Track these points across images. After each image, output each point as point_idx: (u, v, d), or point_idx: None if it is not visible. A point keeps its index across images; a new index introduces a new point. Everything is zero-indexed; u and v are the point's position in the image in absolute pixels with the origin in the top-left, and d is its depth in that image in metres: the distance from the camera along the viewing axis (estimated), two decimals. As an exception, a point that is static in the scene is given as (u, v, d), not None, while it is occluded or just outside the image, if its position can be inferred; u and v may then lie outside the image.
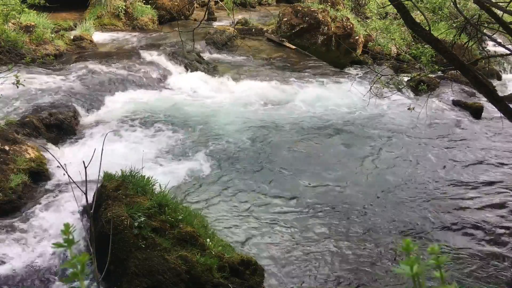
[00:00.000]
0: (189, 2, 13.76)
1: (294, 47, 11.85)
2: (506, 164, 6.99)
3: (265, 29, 12.72)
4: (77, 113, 6.87)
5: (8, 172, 4.78)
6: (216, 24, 13.70)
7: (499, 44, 6.09)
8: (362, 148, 7.14)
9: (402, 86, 9.32)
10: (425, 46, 6.38)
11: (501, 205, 5.80)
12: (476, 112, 9.23)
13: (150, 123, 7.00)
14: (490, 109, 9.06)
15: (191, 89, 8.69)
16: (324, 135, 7.41)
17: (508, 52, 5.37)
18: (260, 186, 5.74)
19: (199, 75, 9.45)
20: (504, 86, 11.94)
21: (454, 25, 6.81)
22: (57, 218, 4.42)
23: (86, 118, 6.94)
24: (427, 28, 4.43)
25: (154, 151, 6.19)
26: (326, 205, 5.44)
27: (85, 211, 4.36)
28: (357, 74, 11.11)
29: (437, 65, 6.31)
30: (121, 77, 8.32)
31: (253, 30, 12.67)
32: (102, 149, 2.52)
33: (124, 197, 4.01)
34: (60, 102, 6.87)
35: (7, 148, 5.07)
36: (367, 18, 13.48)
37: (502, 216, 5.54)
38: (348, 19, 12.19)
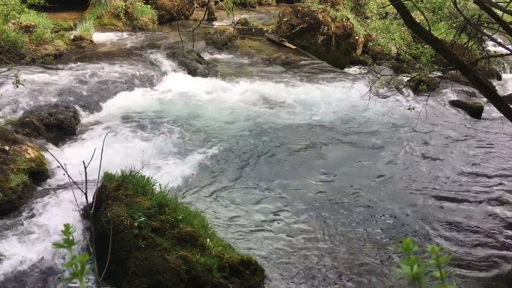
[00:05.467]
0: (189, 2, 13.76)
1: (294, 47, 11.86)
2: (506, 164, 6.99)
3: (265, 29, 12.72)
4: (77, 113, 6.87)
5: (8, 172, 4.78)
6: (216, 24, 13.70)
7: (499, 44, 6.09)
8: (362, 148, 7.14)
9: (402, 86, 9.32)
10: (425, 46, 6.38)
11: (501, 205, 5.80)
12: (476, 112, 9.23)
13: (150, 123, 7.00)
14: (490, 109, 9.07)
15: (191, 89, 8.69)
16: (324, 135, 7.41)
17: (508, 52, 5.37)
18: (260, 186, 5.74)
19: (198, 75, 9.46)
20: (504, 86, 11.95)
21: (454, 25, 6.80)
22: (57, 218, 4.42)
23: (86, 118, 6.94)
24: (427, 28, 4.43)
25: (154, 151, 6.19)
26: (326, 205, 5.44)
27: (85, 211, 4.36)
28: (357, 74, 11.12)
29: (437, 65, 6.31)
30: (121, 77, 8.32)
31: (253, 30, 12.68)
32: (102, 149, 2.52)
33: (124, 197, 4.01)
34: (60, 102, 6.87)
35: (7, 148, 5.07)
36: (367, 18, 13.48)
37: (502, 216, 5.54)
38: (348, 19, 12.19)
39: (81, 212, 4.49)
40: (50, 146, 5.98)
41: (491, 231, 5.22)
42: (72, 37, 10.26)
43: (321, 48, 11.89)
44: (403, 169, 6.53)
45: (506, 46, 5.58)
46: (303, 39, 11.93)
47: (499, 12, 4.86)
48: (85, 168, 1.97)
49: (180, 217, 3.95)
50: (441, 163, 6.85)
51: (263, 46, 11.95)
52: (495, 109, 5.29)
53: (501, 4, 4.91)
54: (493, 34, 6.66)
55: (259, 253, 4.46)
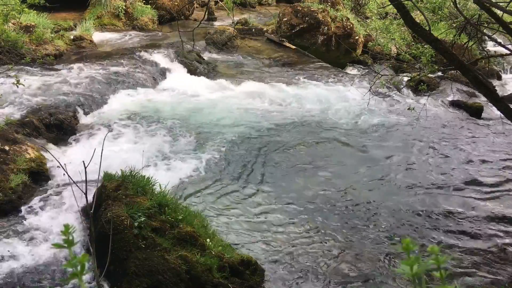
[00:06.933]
0: (189, 2, 13.76)
1: (294, 47, 11.85)
2: (506, 164, 6.98)
3: (265, 29, 12.71)
4: (77, 113, 6.87)
5: (8, 172, 4.78)
6: (216, 24, 13.70)
7: (499, 44, 6.08)
8: (361, 148, 7.14)
9: (402, 86, 9.32)
10: (425, 46, 6.38)
11: (501, 205, 5.80)
12: (476, 112, 9.23)
13: (150, 123, 7.00)
14: (490, 109, 9.07)
15: (190, 89, 8.69)
16: (324, 135, 7.41)
17: (508, 52, 5.37)
18: (260, 186, 5.74)
19: (198, 75, 9.46)
20: (504, 86, 11.94)
21: (454, 25, 6.80)
22: (57, 218, 4.42)
23: (86, 118, 6.94)
24: (427, 28, 4.43)
25: (154, 151, 6.19)
26: (327, 205, 5.44)
27: (85, 211, 4.36)
28: (357, 74, 11.12)
29: (437, 65, 6.31)
30: (121, 77, 8.32)
31: (253, 30, 12.67)
32: (102, 149, 2.52)
33: (124, 197, 4.01)
34: (60, 102, 6.87)
35: (7, 148, 5.07)
36: (367, 18, 13.47)
37: (503, 216, 5.54)
38: (348, 19, 12.18)
39: (81, 212, 4.49)
40: (50, 146, 5.98)
41: (492, 231, 5.22)
42: (72, 37, 10.25)
43: (321, 48, 11.88)
44: (403, 169, 6.53)
45: (506, 46, 5.58)
46: (303, 39, 11.92)
47: (499, 12, 4.86)
48: (85, 168, 1.97)
49: (180, 217, 3.95)
50: (441, 163, 6.85)
51: (263, 46, 11.94)
52: (495, 109, 5.29)
53: (501, 4, 4.91)
54: (493, 34, 6.65)
55: (259, 253, 4.47)
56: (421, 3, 7.16)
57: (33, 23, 9.14)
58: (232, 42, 11.80)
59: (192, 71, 9.55)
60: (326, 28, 11.77)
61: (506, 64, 13.49)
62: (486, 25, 6.10)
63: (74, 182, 2.47)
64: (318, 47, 11.88)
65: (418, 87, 8.82)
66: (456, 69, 4.92)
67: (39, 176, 5.13)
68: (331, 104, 8.72)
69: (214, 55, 11.17)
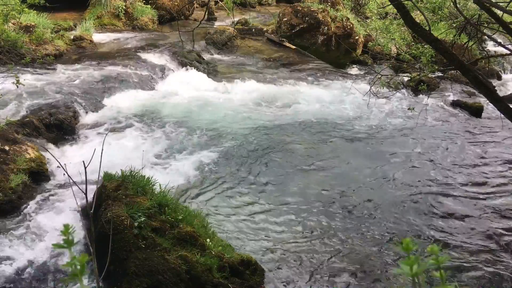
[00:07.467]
0: (189, 2, 13.76)
1: (294, 47, 11.85)
2: (506, 164, 6.99)
3: (265, 29, 12.72)
4: (77, 113, 6.87)
5: (8, 172, 4.78)
6: (216, 24, 13.71)
7: (499, 44, 6.08)
8: (362, 148, 7.14)
9: (402, 86, 9.32)
10: (425, 46, 6.38)
11: (502, 205, 5.80)
12: (476, 112, 9.24)
13: (150, 123, 7.00)
14: (490, 109, 9.07)
15: (190, 89, 8.69)
16: (324, 135, 7.41)
17: (508, 52, 5.37)
18: (260, 186, 5.74)
19: (198, 75, 9.45)
20: (504, 86, 11.94)
21: (454, 25, 6.80)
22: (57, 218, 4.42)
23: (86, 118, 6.94)
24: (427, 28, 4.43)
25: (154, 151, 6.19)
26: (327, 205, 5.44)
27: (85, 211, 4.36)
28: (357, 74, 11.12)
29: (437, 65, 6.31)
30: (121, 77, 8.32)
31: (253, 30, 12.67)
32: (102, 149, 2.52)
33: (124, 197, 4.01)
34: (60, 102, 6.87)
35: (7, 148, 5.07)
36: (367, 18, 13.48)
37: (503, 216, 5.54)
38: (348, 19, 12.19)
39: (81, 212, 4.49)
40: (50, 146, 5.98)
41: (492, 231, 5.22)
42: (72, 37, 10.26)
43: (321, 48, 11.89)
44: (403, 169, 6.53)
45: (506, 46, 5.57)
46: (303, 39, 11.93)
47: (499, 12, 4.86)
48: (85, 168, 1.96)
49: (180, 217, 3.95)
50: (441, 163, 6.85)
51: (263, 46, 11.95)
52: (495, 109, 5.29)
53: (501, 4, 4.91)
54: (493, 34, 6.65)
55: (259, 253, 4.46)
56: (421, 3, 7.16)
57: (33, 23, 9.15)
58: (232, 42, 11.80)
59: (192, 71, 9.54)
60: (326, 28, 11.78)
61: (506, 64, 13.50)
62: (486, 25, 6.10)
63: (74, 182, 2.47)
64: (318, 47, 11.88)
65: (418, 87, 8.83)
66: (456, 69, 4.91)
67: (39, 176, 5.13)
68: (331, 104, 8.72)
69: (214, 55, 11.18)
